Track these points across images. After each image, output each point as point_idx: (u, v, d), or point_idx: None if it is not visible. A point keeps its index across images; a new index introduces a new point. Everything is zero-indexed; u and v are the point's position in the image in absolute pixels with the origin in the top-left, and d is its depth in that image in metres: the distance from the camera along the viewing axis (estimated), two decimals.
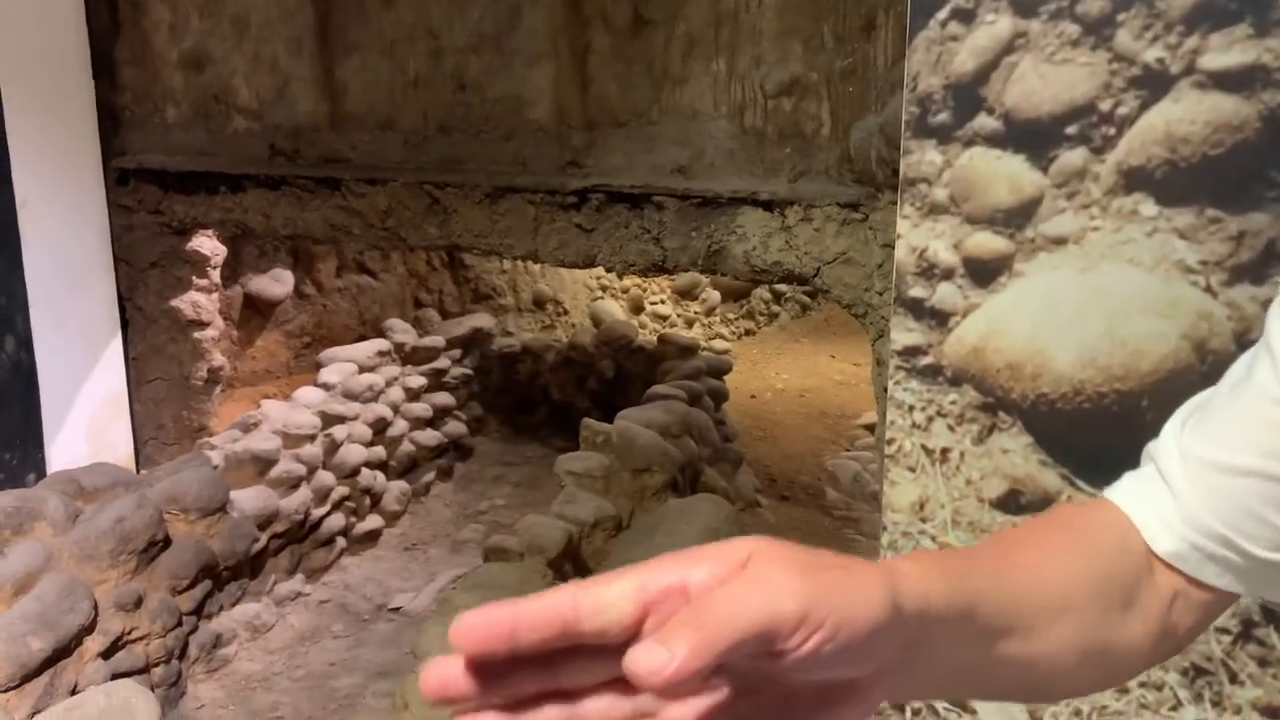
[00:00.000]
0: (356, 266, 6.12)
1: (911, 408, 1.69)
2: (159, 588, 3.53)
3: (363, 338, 5.67)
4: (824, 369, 7.55)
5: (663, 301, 8.08)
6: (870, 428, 5.94)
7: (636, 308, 7.90)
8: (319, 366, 5.07)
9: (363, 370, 5.09)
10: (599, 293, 7.71)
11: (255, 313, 5.48)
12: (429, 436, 5.43)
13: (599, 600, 0.46)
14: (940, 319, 1.64)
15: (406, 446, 5.28)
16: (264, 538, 4.10)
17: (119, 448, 4.45)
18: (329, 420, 4.64)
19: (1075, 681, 0.67)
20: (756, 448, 5.87)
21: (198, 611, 3.72)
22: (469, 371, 5.97)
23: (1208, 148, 1.42)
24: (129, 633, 3.37)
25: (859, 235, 2.85)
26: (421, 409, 5.42)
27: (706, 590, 0.47)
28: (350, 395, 4.89)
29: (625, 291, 7.87)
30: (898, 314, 1.68)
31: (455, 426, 5.72)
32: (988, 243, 1.59)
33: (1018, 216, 1.56)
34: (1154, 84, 1.44)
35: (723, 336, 8.18)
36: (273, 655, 3.94)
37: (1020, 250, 1.57)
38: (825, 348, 8.02)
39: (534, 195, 3.44)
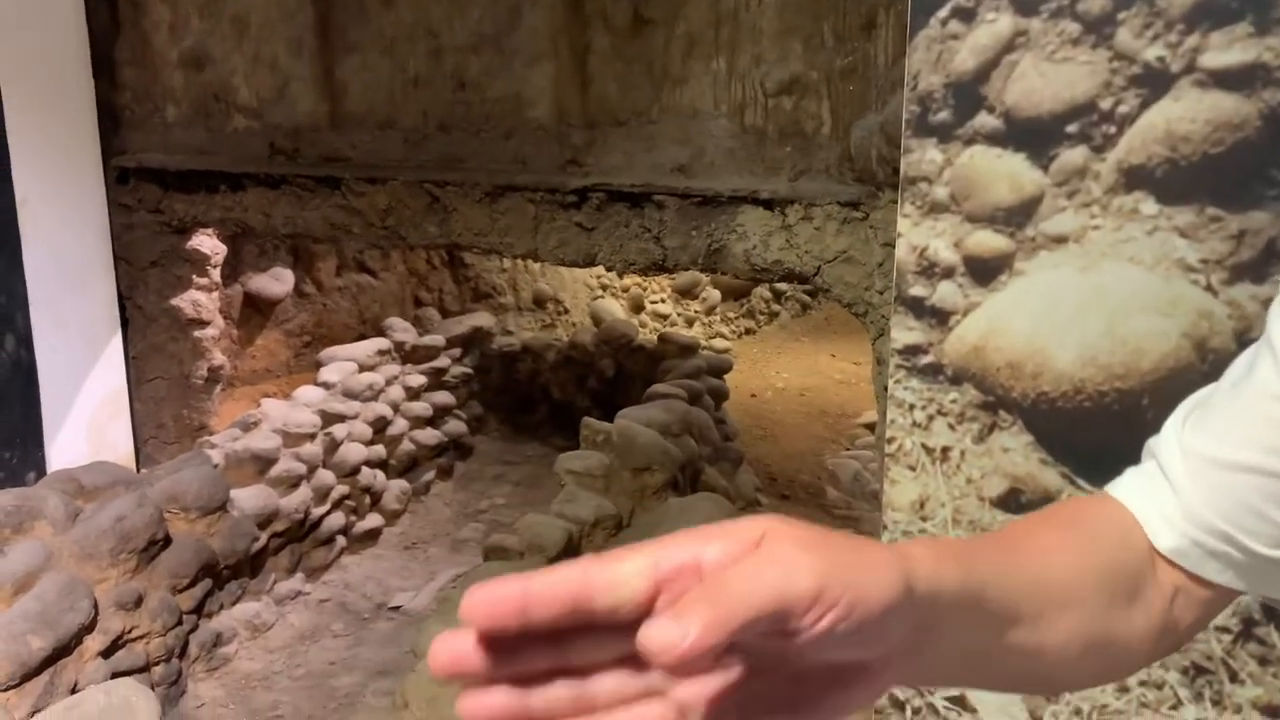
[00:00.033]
0: (356, 265, 6.12)
1: (912, 406, 1.69)
2: (159, 586, 3.53)
3: (363, 336, 5.67)
4: (824, 368, 7.55)
5: (663, 300, 8.08)
6: (871, 426, 5.94)
7: (637, 307, 7.90)
8: (319, 365, 5.07)
9: (363, 369, 5.09)
10: (599, 291, 7.71)
11: (255, 311, 5.48)
12: (429, 435, 5.43)
13: (612, 577, 0.46)
14: (941, 318, 1.64)
15: (406, 445, 5.29)
16: (264, 536, 4.10)
17: (119, 446, 4.45)
18: (329, 419, 4.64)
19: (1077, 674, 0.67)
20: (757, 447, 5.87)
21: (198, 610, 3.72)
22: (469, 370, 5.97)
23: (1208, 146, 1.42)
24: (129, 631, 3.37)
25: (859, 234, 2.85)
26: (421, 408, 5.42)
27: (720, 568, 0.46)
28: (350, 394, 4.89)
29: (625, 290, 7.87)
30: (898, 313, 1.68)
31: (455, 425, 5.72)
32: (988, 241, 1.59)
33: (1018, 215, 1.56)
34: (1154, 82, 1.44)
35: (723, 335, 8.18)
36: (273, 654, 3.94)
37: (1021, 249, 1.57)
38: (826, 346, 8.02)
39: (534, 194, 3.44)
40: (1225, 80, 1.40)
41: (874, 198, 2.79)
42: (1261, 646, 1.50)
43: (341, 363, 5.03)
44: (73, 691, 3.06)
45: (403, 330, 5.57)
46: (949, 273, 1.62)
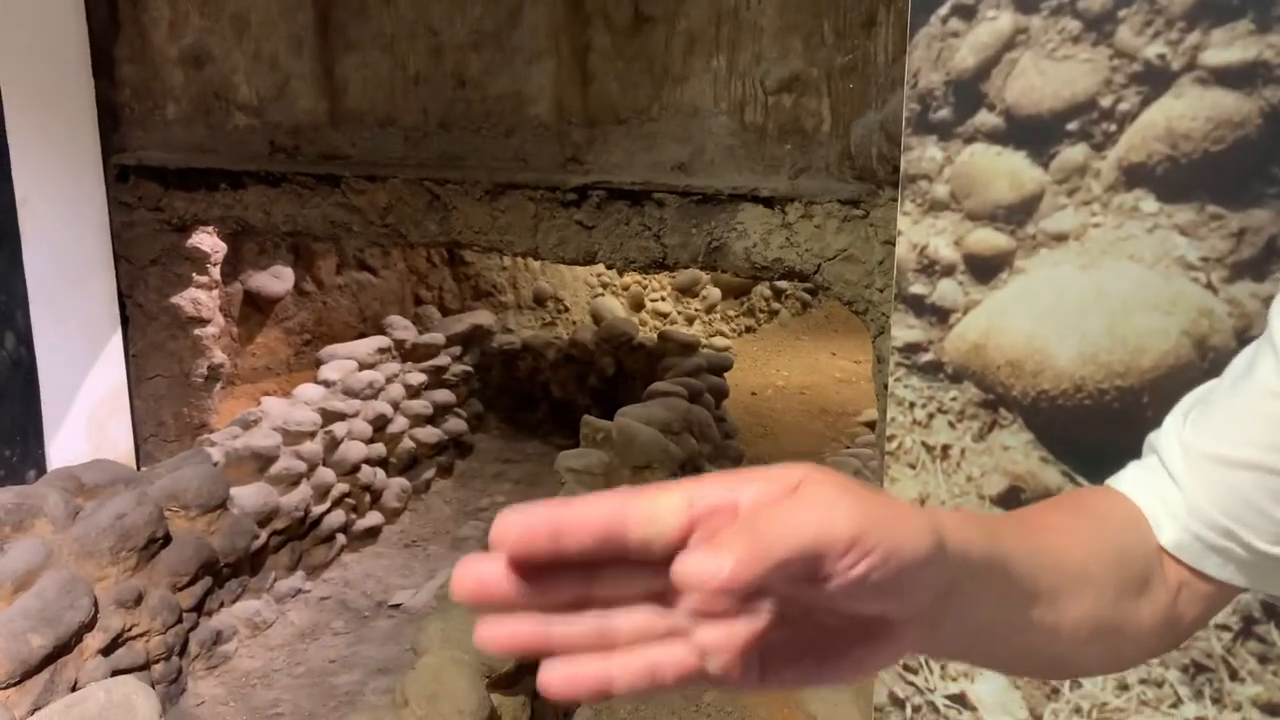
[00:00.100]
0: (357, 263, 6.12)
1: (912, 404, 1.69)
2: (159, 584, 3.53)
3: (363, 335, 5.68)
4: (824, 366, 7.55)
5: (663, 299, 8.08)
6: (871, 425, 5.94)
7: (637, 305, 7.90)
8: (319, 363, 5.07)
9: (363, 367, 5.09)
10: (599, 290, 7.71)
11: (255, 309, 5.48)
12: (429, 433, 5.43)
13: (648, 510, 0.45)
14: (941, 316, 1.64)
15: (407, 443, 5.29)
16: (264, 534, 4.10)
17: (119, 444, 4.45)
18: (329, 417, 4.64)
19: (1085, 659, 0.67)
20: (757, 445, 5.87)
21: (198, 608, 3.72)
22: (469, 368, 5.97)
23: (1209, 144, 1.42)
24: (129, 629, 3.37)
25: (860, 232, 2.85)
26: (422, 406, 5.42)
27: (757, 509, 0.46)
28: (350, 392, 4.89)
29: (626, 289, 7.87)
30: (898, 311, 1.68)
31: (455, 423, 5.72)
32: (988, 239, 1.59)
33: (1018, 213, 1.56)
34: (1155, 80, 1.44)
35: (723, 334, 8.17)
36: (273, 652, 3.94)
37: (1021, 247, 1.57)
38: (826, 345, 8.02)
39: (534, 192, 3.44)
40: (1226, 78, 1.40)
41: (874, 195, 2.79)
42: (1261, 644, 1.50)
43: (342, 361, 5.03)
44: (73, 689, 3.06)
45: (403, 328, 5.57)
46: (949, 270, 1.62)
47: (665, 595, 0.46)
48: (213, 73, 4.08)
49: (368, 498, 4.90)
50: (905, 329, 1.67)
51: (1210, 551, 0.67)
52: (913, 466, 1.70)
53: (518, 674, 2.89)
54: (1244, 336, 1.43)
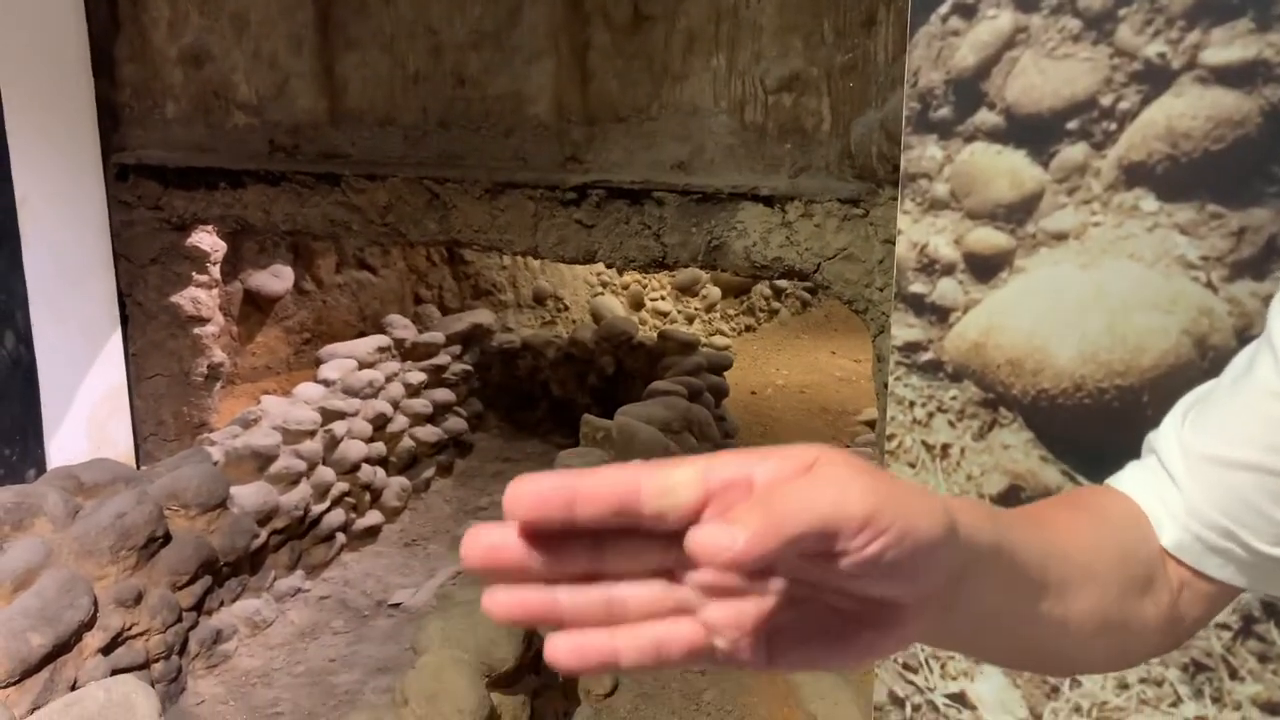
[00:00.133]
0: (356, 262, 6.12)
1: (912, 404, 1.69)
2: (159, 583, 3.53)
3: (363, 334, 5.68)
4: (824, 365, 7.55)
5: (663, 298, 8.08)
6: (871, 424, 5.93)
7: (637, 304, 7.90)
8: (319, 362, 5.07)
9: (363, 366, 5.09)
10: (599, 289, 7.71)
11: (255, 308, 5.48)
12: (429, 432, 5.43)
13: (663, 482, 0.45)
14: (941, 315, 1.64)
15: (406, 442, 5.29)
16: (264, 533, 4.10)
17: (119, 443, 4.45)
18: (329, 416, 4.64)
19: (1089, 654, 0.67)
20: (757, 444, 5.84)
21: (198, 607, 3.72)
22: (469, 367, 5.97)
23: (1209, 143, 1.42)
24: (129, 628, 3.37)
25: (860, 231, 2.85)
26: (421, 405, 5.42)
27: (772, 486, 0.46)
28: (350, 391, 4.89)
29: (625, 288, 7.87)
30: (898, 310, 1.68)
31: (455, 422, 5.72)
32: (988, 238, 1.59)
33: (1018, 212, 1.56)
34: (1155, 79, 1.44)
35: (723, 333, 8.17)
36: (273, 651, 3.94)
37: (1021, 246, 1.57)
38: (826, 344, 8.02)
39: (534, 191, 3.44)
40: (1226, 77, 1.40)
41: (874, 194, 2.79)
42: (1261, 643, 1.50)
43: (341, 360, 5.03)
44: (72, 688, 3.06)
45: (403, 327, 5.57)
46: (949, 269, 1.62)
47: (675, 571, 0.46)
48: (212, 72, 4.07)
49: (367, 497, 4.90)
50: (905, 328, 1.67)
51: (1210, 552, 0.67)
52: (912, 465, 1.70)
53: (517, 673, 2.89)
54: (1244, 335, 1.43)
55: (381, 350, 5.31)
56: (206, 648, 3.75)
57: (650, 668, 0.46)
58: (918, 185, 1.62)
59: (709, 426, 4.94)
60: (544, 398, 6.26)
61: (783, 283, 8.25)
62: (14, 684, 2.92)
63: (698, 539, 0.43)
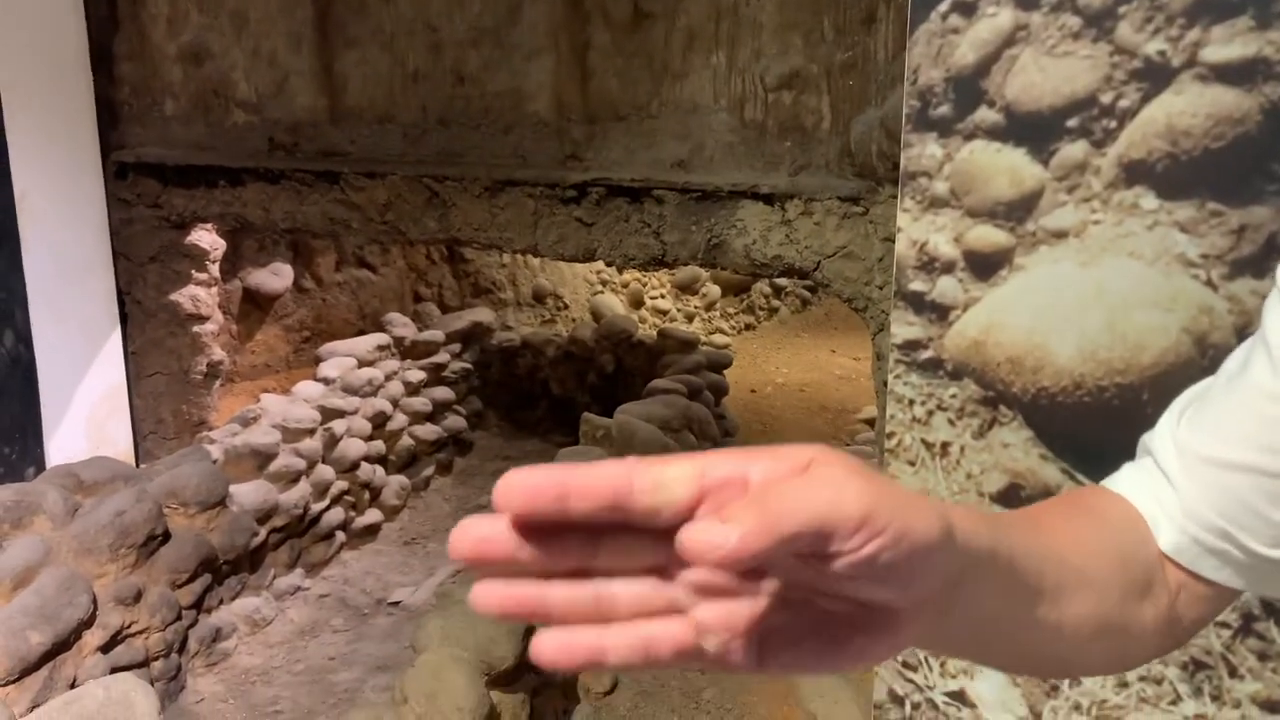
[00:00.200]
0: (356, 260, 6.12)
1: (912, 402, 1.69)
2: (158, 582, 3.53)
3: (362, 332, 5.67)
4: (824, 363, 7.55)
5: (663, 296, 8.08)
6: (870, 422, 5.93)
7: (636, 302, 7.90)
8: (318, 361, 5.07)
9: (362, 364, 5.08)
10: (599, 287, 7.71)
11: (254, 307, 5.48)
12: (428, 431, 5.43)
13: (656, 477, 0.44)
14: (941, 313, 1.64)
15: (406, 441, 5.29)
16: (263, 532, 4.10)
17: (118, 442, 4.45)
18: (328, 414, 4.64)
19: (1087, 658, 0.67)
20: (756, 442, 5.78)
21: (197, 605, 3.72)
22: (469, 366, 5.97)
23: (1209, 141, 1.42)
24: (128, 627, 3.37)
25: (859, 229, 2.84)
26: (421, 403, 5.42)
27: (767, 485, 0.45)
28: (350, 389, 4.89)
29: (625, 286, 7.87)
30: (898, 308, 1.68)
31: (455, 421, 5.72)
32: (988, 236, 1.58)
33: (1018, 210, 1.56)
34: (1155, 77, 1.44)
35: (723, 331, 8.17)
36: (272, 649, 3.94)
37: (1021, 244, 1.56)
38: (825, 342, 8.02)
39: (533, 189, 3.43)
40: (1226, 74, 1.40)
41: (874, 192, 2.79)
42: (1261, 642, 1.50)
43: (341, 358, 5.03)
44: (72, 687, 3.06)
45: (402, 325, 5.57)
46: (949, 267, 1.62)
47: (667, 569, 0.46)
48: (212, 69, 4.07)
49: (367, 495, 4.90)
50: (905, 326, 1.67)
51: (1207, 554, 0.67)
52: (912, 464, 1.70)
53: (517, 671, 2.89)
54: (1244, 334, 1.43)
55: (381, 348, 5.30)
56: (206, 646, 3.75)
57: (638, 667, 0.46)
58: (917, 183, 1.62)
59: (708, 425, 4.94)
60: (543, 396, 6.26)
61: (782, 281, 8.25)
62: (13, 682, 2.92)
63: (690, 536, 0.43)
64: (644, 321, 7.63)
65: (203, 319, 4.61)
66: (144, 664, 3.40)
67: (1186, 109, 1.42)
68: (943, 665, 1.74)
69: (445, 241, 4.12)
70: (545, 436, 6.00)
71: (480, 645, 2.83)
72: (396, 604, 4.29)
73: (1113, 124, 1.47)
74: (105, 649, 3.26)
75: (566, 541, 0.45)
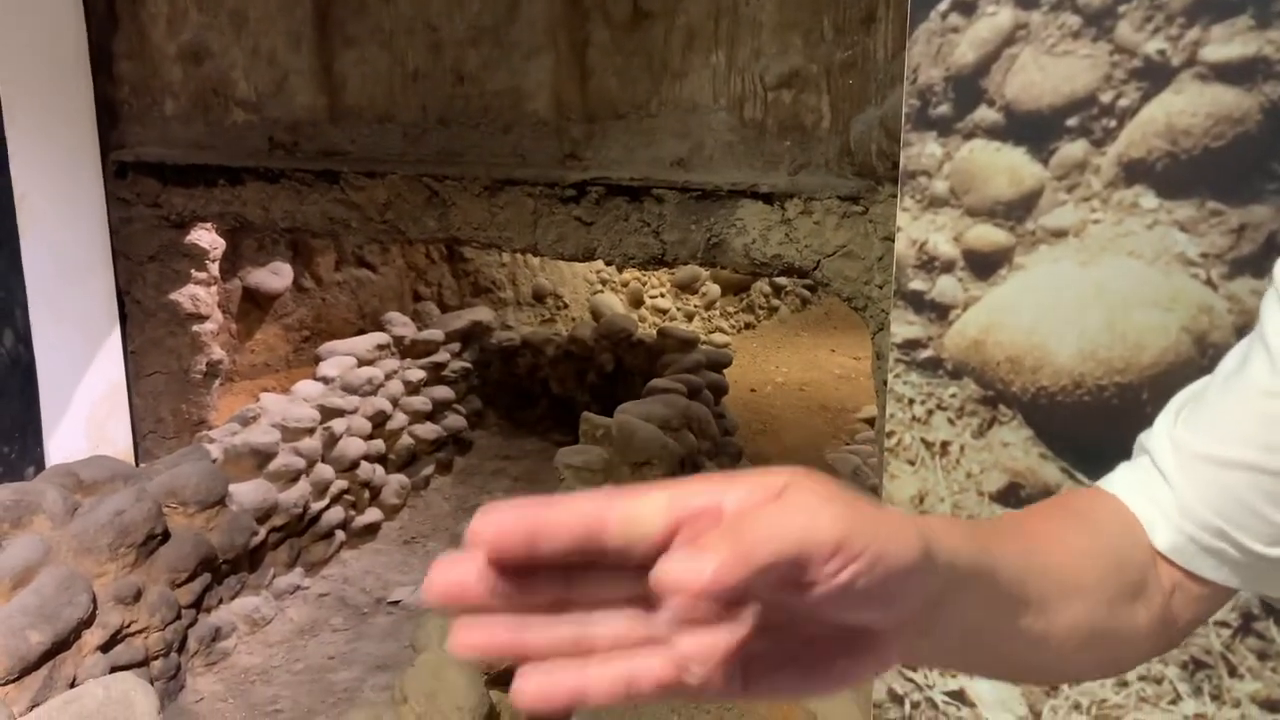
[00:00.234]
0: (355, 260, 6.11)
1: (911, 401, 1.69)
2: (158, 581, 3.53)
3: (361, 331, 5.67)
4: (824, 363, 7.55)
5: (662, 295, 8.08)
6: (870, 421, 5.94)
7: (636, 301, 7.90)
8: (318, 360, 5.07)
9: (362, 364, 5.08)
10: (598, 286, 7.71)
11: (254, 306, 5.48)
12: (428, 430, 5.43)
13: (629, 511, 0.44)
14: (940, 312, 1.64)
15: (406, 440, 5.28)
16: (263, 531, 4.10)
17: (118, 441, 4.45)
18: (328, 413, 4.63)
19: (1077, 665, 0.66)
20: (756, 441, 5.87)
21: (197, 605, 3.72)
22: (468, 365, 5.97)
23: (1209, 140, 1.42)
24: (128, 626, 3.37)
25: (859, 228, 2.84)
26: (421, 402, 5.42)
27: (741, 513, 0.45)
28: (349, 389, 4.88)
29: (625, 285, 7.87)
30: (898, 307, 1.68)
31: (454, 420, 5.72)
32: (988, 235, 1.58)
33: (1018, 209, 1.56)
34: (1155, 76, 1.44)
35: (722, 330, 8.17)
36: (272, 648, 3.94)
37: (1020, 243, 1.56)
38: (825, 341, 8.02)
39: (533, 188, 3.43)
40: (1226, 73, 1.40)
41: (873, 192, 2.79)
42: (1261, 641, 1.50)
43: (340, 357, 5.02)
44: (71, 686, 3.06)
45: (402, 325, 5.57)
46: (948, 267, 1.62)
47: (647, 600, 0.45)
48: (211, 69, 4.07)
49: (367, 494, 4.90)
50: (904, 325, 1.67)
51: (1204, 553, 0.66)
52: (912, 463, 1.70)
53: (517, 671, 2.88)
54: (1244, 333, 1.42)
55: (381, 348, 5.30)
56: (205, 645, 3.75)
57: (620, 703, 0.45)
58: (917, 182, 1.62)
59: (708, 424, 4.94)
60: (543, 395, 6.26)
61: (782, 280, 8.25)
62: (13, 681, 2.92)
63: (665, 571, 0.42)
64: (644, 321, 7.63)
65: (202, 318, 4.61)
66: (143, 663, 3.40)
67: (1186, 108, 1.42)
68: None
69: (445, 241, 4.12)
70: (545, 435, 6.00)
71: None
72: (396, 603, 4.29)
73: (1112, 123, 1.47)
74: (105, 648, 3.26)
75: (543, 576, 0.45)
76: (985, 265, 1.59)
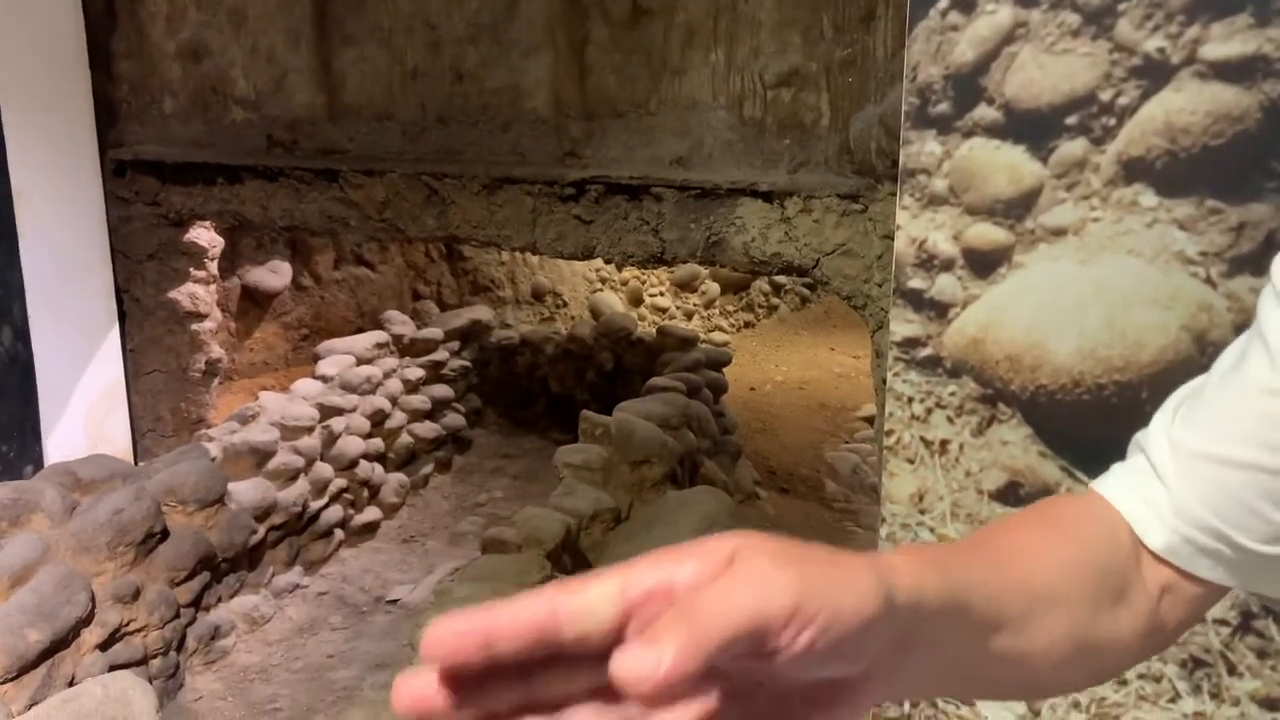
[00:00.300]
0: (354, 258, 6.11)
1: (910, 399, 1.68)
2: (157, 579, 3.53)
3: (361, 330, 5.67)
4: (823, 361, 7.55)
5: (662, 294, 8.08)
6: (869, 420, 5.94)
7: (635, 300, 7.90)
8: (317, 358, 5.07)
9: (361, 362, 5.08)
10: (598, 285, 7.71)
11: (253, 304, 5.48)
12: (427, 429, 5.43)
13: (579, 605, 0.44)
14: (939, 310, 1.64)
15: (405, 439, 5.28)
16: (262, 529, 4.10)
17: (116, 440, 4.45)
18: (327, 412, 4.63)
19: (1063, 678, 0.66)
20: (755, 440, 5.87)
21: (196, 603, 3.72)
22: (467, 364, 5.97)
23: (1208, 138, 1.42)
24: (127, 624, 3.36)
25: (858, 226, 2.84)
26: (420, 401, 5.42)
27: (692, 589, 0.44)
28: (348, 387, 4.88)
29: (624, 284, 7.87)
30: (897, 305, 1.67)
31: (454, 419, 5.72)
32: (987, 234, 1.58)
33: (1017, 207, 1.55)
34: (1154, 74, 1.44)
35: (722, 329, 8.17)
36: (271, 647, 3.94)
37: (1020, 241, 1.56)
38: (825, 340, 8.02)
39: (532, 186, 3.43)
40: (1225, 72, 1.39)
41: (873, 190, 2.78)
42: (1260, 639, 1.50)
43: (339, 356, 5.02)
44: (70, 684, 3.06)
45: (401, 323, 5.57)
46: (948, 265, 1.62)
47: (613, 686, 0.44)
48: (210, 67, 4.07)
49: (365, 493, 4.90)
50: (904, 323, 1.67)
51: (1200, 553, 0.66)
52: (911, 461, 1.70)
53: None
54: (1243, 331, 1.42)
55: (380, 346, 5.30)
56: (204, 644, 3.75)
57: None
58: (916, 180, 1.62)
59: (707, 422, 4.94)
60: (542, 394, 6.26)
61: (782, 279, 8.25)
62: (11, 680, 2.91)
63: (620, 668, 0.41)
64: (643, 319, 7.63)
65: (201, 316, 4.61)
66: (142, 662, 3.40)
67: (1186, 106, 1.42)
68: None
69: (444, 239, 4.12)
70: (544, 434, 6.00)
71: None
72: (395, 602, 4.29)
73: (1112, 121, 1.47)
74: (103, 647, 3.26)
75: (505, 678, 0.45)
76: (984, 264, 1.59)
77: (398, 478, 5.16)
